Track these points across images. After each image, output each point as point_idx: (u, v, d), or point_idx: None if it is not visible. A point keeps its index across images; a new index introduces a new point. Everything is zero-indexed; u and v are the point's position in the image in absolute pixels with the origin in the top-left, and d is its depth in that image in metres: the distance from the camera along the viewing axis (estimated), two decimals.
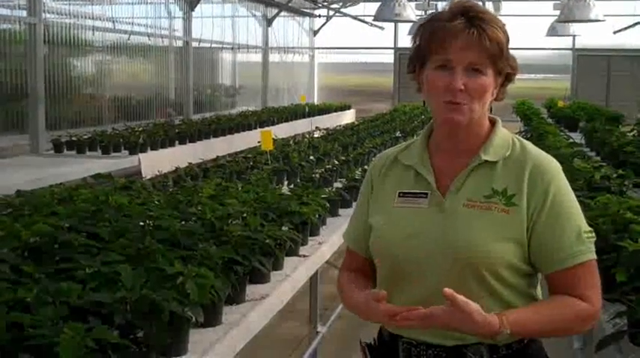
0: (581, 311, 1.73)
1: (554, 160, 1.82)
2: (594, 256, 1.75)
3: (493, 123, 1.85)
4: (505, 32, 1.77)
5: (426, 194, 1.80)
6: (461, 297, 1.60)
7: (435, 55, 1.75)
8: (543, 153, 1.82)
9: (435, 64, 1.75)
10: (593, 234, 1.78)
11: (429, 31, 1.77)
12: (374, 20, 15.60)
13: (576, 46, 21.09)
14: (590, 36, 19.28)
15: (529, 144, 1.84)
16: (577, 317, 1.73)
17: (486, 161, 1.78)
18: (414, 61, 1.83)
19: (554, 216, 1.73)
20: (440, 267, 1.71)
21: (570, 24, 16.19)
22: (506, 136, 1.83)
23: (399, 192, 1.84)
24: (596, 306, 1.75)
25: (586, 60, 21.17)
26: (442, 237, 1.73)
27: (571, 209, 1.76)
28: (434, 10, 17.80)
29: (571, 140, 8.56)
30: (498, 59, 1.74)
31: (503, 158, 1.78)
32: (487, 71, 1.74)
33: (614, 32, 19.11)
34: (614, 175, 5.05)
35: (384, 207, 1.85)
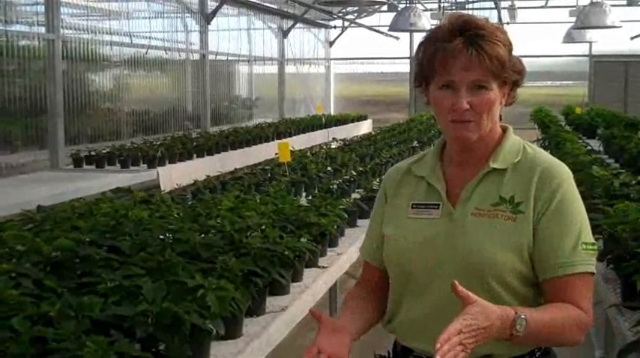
0: (581, 318, 1.71)
1: (565, 166, 1.81)
2: (591, 270, 1.73)
3: (504, 131, 1.86)
4: (506, 43, 1.75)
5: (438, 205, 1.81)
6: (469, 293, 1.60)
7: (438, 75, 1.76)
8: (554, 159, 1.82)
9: (439, 84, 1.77)
10: (595, 248, 1.75)
11: (430, 52, 1.77)
12: (389, 30, 15.66)
13: (593, 53, 20.99)
14: (607, 42, 19.19)
15: (539, 150, 1.84)
16: (577, 323, 1.71)
17: (495, 169, 1.78)
18: (418, 79, 1.85)
19: (556, 222, 1.73)
20: (449, 276, 1.70)
21: (587, 30, 16.13)
22: (516, 143, 1.83)
23: (412, 203, 1.85)
24: (590, 317, 1.73)
25: (603, 66, 21.05)
26: (451, 247, 1.74)
27: (574, 217, 1.74)
28: None
29: (589, 147, 8.52)
30: (501, 73, 1.74)
31: (512, 164, 1.79)
32: (491, 86, 1.74)
33: (631, 38, 19.01)
34: (634, 182, 5.02)
35: (397, 218, 1.86)
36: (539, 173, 1.76)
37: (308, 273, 3.72)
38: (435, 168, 1.86)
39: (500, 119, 1.85)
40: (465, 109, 1.73)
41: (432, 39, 1.78)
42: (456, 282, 1.58)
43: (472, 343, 1.55)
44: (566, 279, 1.70)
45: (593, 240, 1.76)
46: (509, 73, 1.77)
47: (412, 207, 1.84)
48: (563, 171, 1.78)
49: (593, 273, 1.74)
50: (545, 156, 1.82)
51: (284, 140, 9.57)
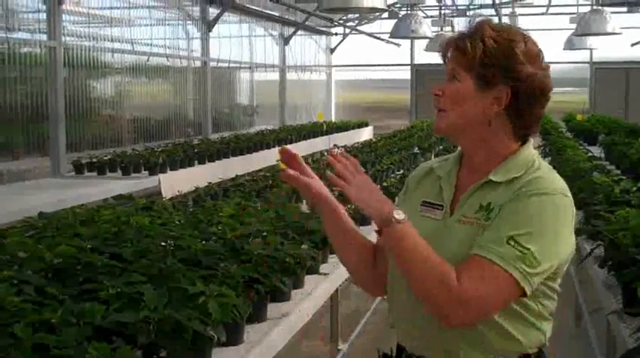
0: (447, 278, 1.60)
1: (556, 183, 1.72)
2: (507, 268, 1.60)
3: (524, 143, 1.81)
4: (498, 39, 1.74)
5: (442, 206, 1.82)
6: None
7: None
8: (549, 175, 1.75)
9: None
10: (526, 254, 1.61)
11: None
12: (390, 37, 15.68)
13: (594, 59, 21.03)
14: (608, 49, 19.21)
15: (545, 166, 1.78)
16: (440, 278, 1.61)
17: (491, 180, 1.76)
18: None
19: (503, 214, 1.67)
20: None
21: (587, 37, 16.15)
22: (527, 158, 1.78)
23: (423, 201, 1.87)
24: (460, 290, 1.59)
25: (604, 73, 21.09)
26: (438, 249, 1.70)
27: (527, 218, 1.64)
28: (450, 27, 17.84)
29: (590, 154, 8.53)
30: (477, 65, 1.73)
31: (510, 179, 1.74)
32: (462, 78, 1.76)
33: (632, 45, 19.04)
34: (634, 189, 5.02)
35: (410, 213, 1.84)
36: (525, 183, 1.71)
37: (309, 280, 3.72)
38: (452, 170, 1.87)
39: (490, 124, 1.81)
40: (435, 94, 1.80)
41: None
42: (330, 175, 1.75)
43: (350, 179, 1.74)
44: (474, 258, 1.63)
45: (533, 249, 1.61)
46: (492, 71, 1.73)
47: (422, 204, 1.86)
48: (547, 185, 1.70)
49: (508, 273, 1.60)
50: (544, 170, 1.76)
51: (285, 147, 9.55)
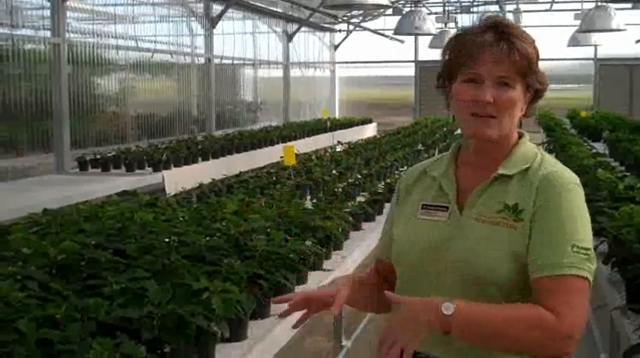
0: (544, 321, 1.56)
1: (571, 174, 1.75)
2: (582, 274, 1.62)
3: (520, 137, 1.83)
4: (535, 48, 1.75)
5: (447, 207, 1.79)
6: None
7: (464, 68, 1.74)
8: (560, 167, 1.76)
9: (463, 78, 1.74)
10: (590, 254, 1.64)
11: (459, 45, 1.76)
12: (394, 34, 15.65)
13: (598, 56, 20.99)
14: (612, 45, 19.16)
15: (548, 158, 1.80)
16: (536, 325, 1.56)
17: (502, 175, 1.75)
18: (443, 76, 1.83)
19: (549, 224, 1.66)
20: (449, 281, 1.70)
21: (592, 34, 16.12)
22: (529, 150, 1.80)
23: (422, 204, 1.83)
24: (564, 324, 1.56)
25: (608, 69, 21.04)
26: (453, 251, 1.71)
27: (570, 222, 1.66)
28: (454, 23, 17.82)
29: (594, 150, 8.51)
30: (527, 74, 1.73)
31: (520, 171, 1.75)
32: (516, 85, 1.72)
33: (637, 41, 19.00)
34: (638, 185, 5.01)
35: (407, 218, 1.84)
36: (541, 180, 1.72)
37: (313, 276, 3.73)
38: (448, 169, 1.84)
39: (520, 126, 1.82)
40: (488, 102, 1.69)
41: (463, 34, 1.78)
42: (388, 293, 1.62)
43: (408, 338, 1.57)
44: (549, 280, 1.61)
45: (590, 246, 1.67)
46: (534, 79, 1.75)
47: (422, 208, 1.82)
48: (566, 179, 1.72)
49: (584, 278, 1.62)
50: (552, 162, 1.78)
51: (289, 143, 9.58)
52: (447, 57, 1.80)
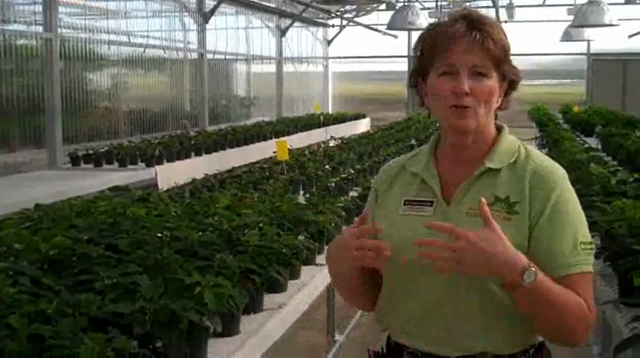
0: (584, 310, 1.68)
1: (559, 167, 1.78)
2: (589, 269, 1.71)
3: (499, 130, 1.83)
4: (506, 36, 1.76)
5: (432, 202, 1.78)
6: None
7: (436, 60, 1.74)
8: (548, 160, 1.79)
9: (438, 71, 1.74)
10: (593, 246, 1.73)
11: (431, 38, 1.77)
12: (387, 29, 15.64)
13: (591, 51, 21.00)
14: (605, 40, 19.19)
15: (534, 151, 1.82)
16: (581, 313, 1.67)
17: (490, 168, 1.75)
18: (416, 73, 1.83)
19: (553, 223, 1.69)
20: (441, 277, 1.68)
21: (585, 29, 16.14)
22: (512, 143, 1.80)
23: (405, 200, 1.82)
24: (593, 316, 1.70)
25: (601, 64, 21.07)
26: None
27: (571, 217, 1.72)
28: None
29: (587, 145, 8.53)
30: (502, 63, 1.73)
31: (508, 165, 1.76)
32: (491, 74, 1.72)
33: (629, 36, 19.03)
34: (631, 180, 5.03)
35: (389, 215, 1.83)
36: (532, 173, 1.73)
37: (306, 271, 3.73)
38: (429, 164, 1.83)
39: (496, 119, 1.83)
40: (466, 92, 1.69)
41: (434, 27, 1.78)
42: (483, 200, 1.63)
43: (469, 262, 1.58)
44: (568, 279, 1.67)
45: (590, 239, 1.73)
46: (509, 68, 1.75)
47: (404, 204, 1.81)
48: (556, 172, 1.75)
49: (588, 272, 1.71)
50: (540, 156, 1.80)
51: (282, 138, 9.58)
52: (419, 53, 1.80)
